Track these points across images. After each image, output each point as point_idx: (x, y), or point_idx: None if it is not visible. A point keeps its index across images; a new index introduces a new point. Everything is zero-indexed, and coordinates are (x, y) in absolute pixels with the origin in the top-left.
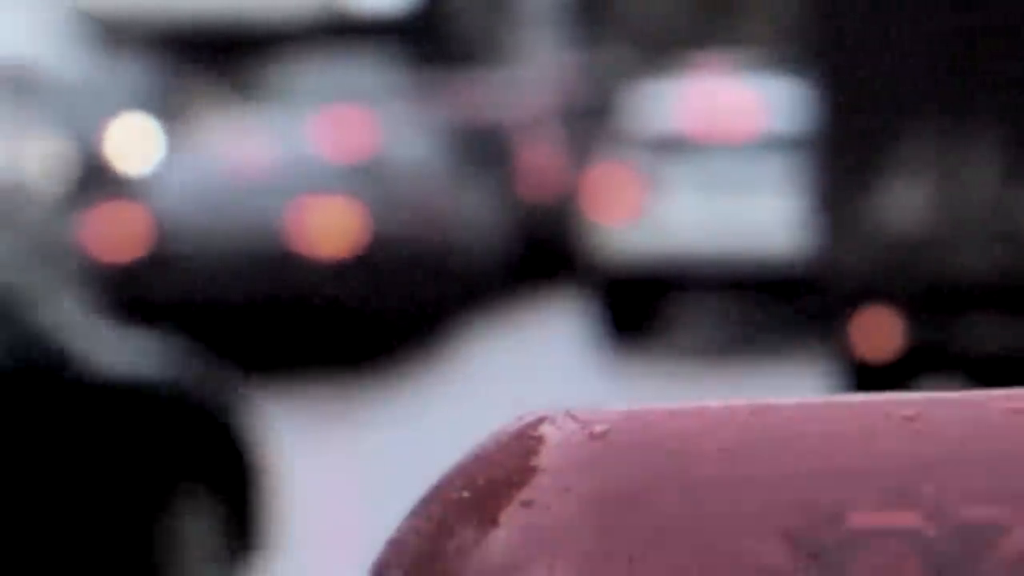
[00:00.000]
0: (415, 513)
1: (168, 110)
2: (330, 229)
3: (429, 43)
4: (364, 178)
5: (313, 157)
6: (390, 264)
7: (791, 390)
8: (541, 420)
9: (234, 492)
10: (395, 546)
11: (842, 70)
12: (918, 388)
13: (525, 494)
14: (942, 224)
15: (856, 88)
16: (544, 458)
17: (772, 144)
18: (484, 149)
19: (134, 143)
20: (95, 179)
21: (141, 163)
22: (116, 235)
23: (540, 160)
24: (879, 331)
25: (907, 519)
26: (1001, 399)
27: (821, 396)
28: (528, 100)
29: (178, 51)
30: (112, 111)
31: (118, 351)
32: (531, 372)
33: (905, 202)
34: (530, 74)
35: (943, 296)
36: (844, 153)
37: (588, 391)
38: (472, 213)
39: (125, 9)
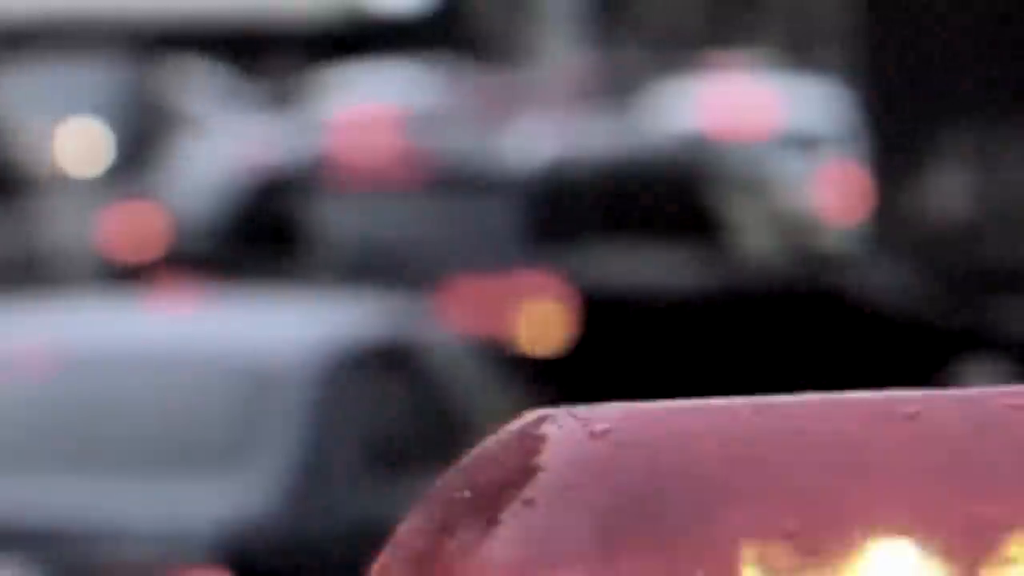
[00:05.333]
0: (416, 513)
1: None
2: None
3: (446, 43)
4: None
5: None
6: None
7: None
8: (542, 419)
9: None
10: (396, 546)
11: (885, 64)
12: (960, 371)
13: (526, 493)
14: (984, 211)
15: (899, 81)
16: (545, 457)
17: (792, 142)
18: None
19: (85, 146)
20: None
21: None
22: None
23: None
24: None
25: (908, 517)
26: (1003, 396)
27: (822, 394)
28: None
29: (201, 51)
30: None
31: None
32: None
33: (948, 190)
34: (548, 73)
35: (985, 280)
36: (888, 144)
37: None
38: None
39: (144, 7)
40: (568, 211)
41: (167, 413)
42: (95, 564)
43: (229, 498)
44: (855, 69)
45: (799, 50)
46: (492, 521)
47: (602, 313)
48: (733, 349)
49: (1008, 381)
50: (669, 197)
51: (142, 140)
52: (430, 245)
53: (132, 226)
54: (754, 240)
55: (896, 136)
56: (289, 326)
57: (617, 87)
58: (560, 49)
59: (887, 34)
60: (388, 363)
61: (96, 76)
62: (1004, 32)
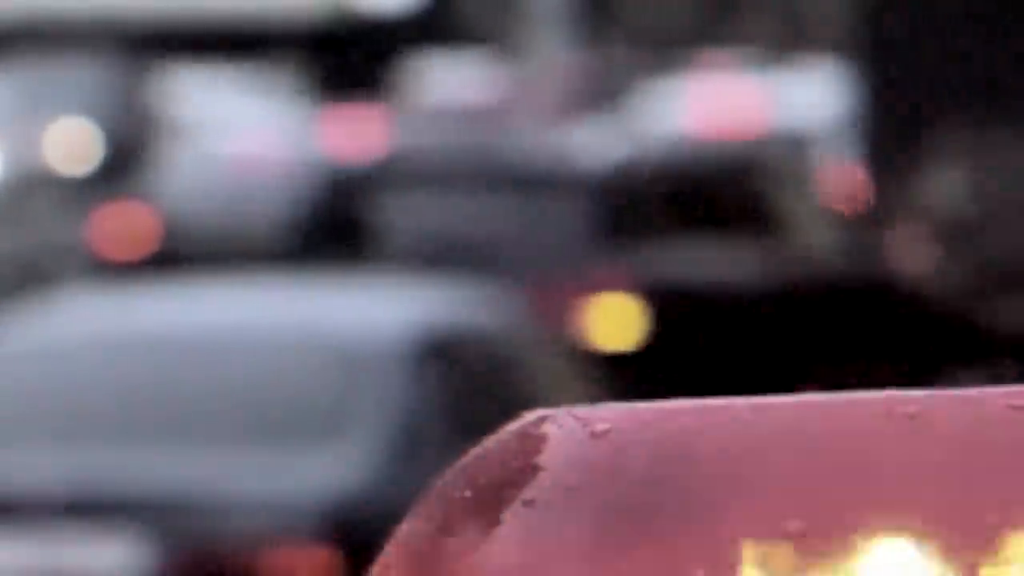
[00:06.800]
0: (417, 513)
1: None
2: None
3: (434, 41)
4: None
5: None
6: None
7: None
8: (543, 419)
9: None
10: (397, 546)
11: (884, 60)
12: (965, 371)
13: (527, 493)
14: (984, 207)
15: (898, 77)
16: (546, 457)
17: (781, 141)
18: None
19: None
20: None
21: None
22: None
23: None
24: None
25: (908, 517)
26: (1002, 396)
27: (822, 394)
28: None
29: (190, 51)
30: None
31: None
32: None
33: (947, 187)
34: (537, 72)
35: (986, 277)
36: (887, 141)
37: None
38: None
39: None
40: (637, 208)
41: (268, 391)
42: (201, 536)
43: (328, 471)
44: (850, 67)
45: (789, 49)
46: (492, 521)
47: (670, 308)
48: (797, 342)
49: (1007, 380)
50: (731, 193)
51: (132, 140)
52: (503, 243)
53: (122, 225)
54: (811, 234)
55: (891, 134)
56: (378, 309)
57: (607, 87)
58: (549, 49)
59: (884, 33)
60: (467, 345)
61: (86, 76)
62: (1000, 31)
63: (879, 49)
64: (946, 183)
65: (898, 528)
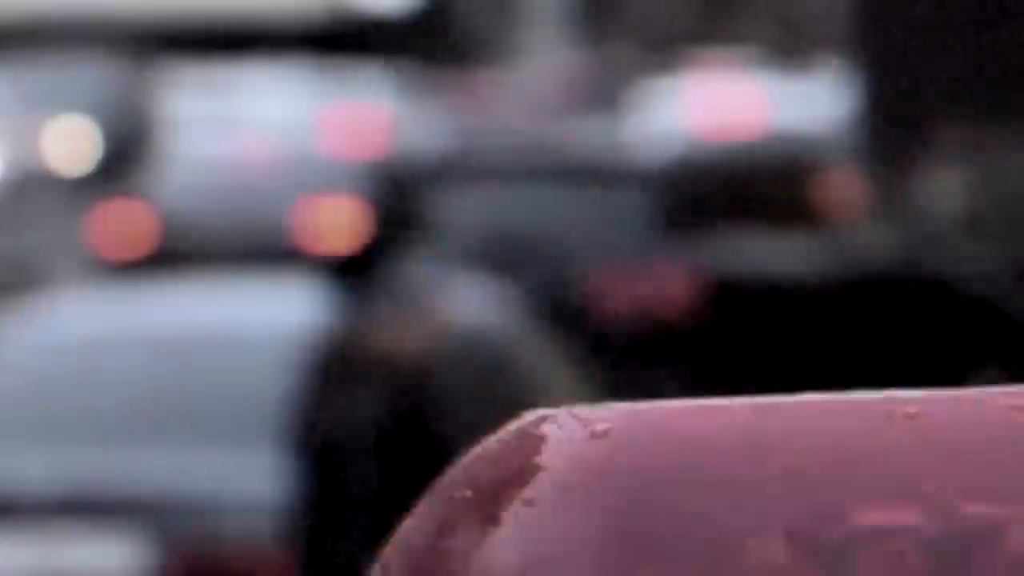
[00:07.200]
0: (417, 512)
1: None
2: (335, 228)
3: (432, 42)
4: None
5: (319, 155)
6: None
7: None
8: (543, 419)
9: None
10: (397, 545)
11: (882, 61)
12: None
13: (527, 493)
14: (981, 209)
15: (896, 78)
16: (546, 457)
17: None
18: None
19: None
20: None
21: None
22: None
23: None
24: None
25: (908, 517)
26: (1002, 397)
27: (822, 394)
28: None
29: (188, 49)
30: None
31: None
32: None
33: (944, 188)
34: (535, 73)
35: (981, 278)
36: (882, 142)
37: None
38: None
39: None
40: (697, 201)
41: (267, 390)
42: (199, 536)
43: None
44: (850, 68)
45: (788, 49)
46: (492, 521)
47: (729, 298)
48: (855, 336)
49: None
50: (787, 186)
51: (130, 138)
52: (566, 236)
53: (120, 224)
54: (866, 228)
55: (890, 135)
56: (378, 310)
57: (605, 87)
58: (548, 49)
59: (882, 32)
60: (468, 345)
61: (84, 75)
62: (999, 31)
63: (878, 49)
64: (945, 182)
65: (897, 528)
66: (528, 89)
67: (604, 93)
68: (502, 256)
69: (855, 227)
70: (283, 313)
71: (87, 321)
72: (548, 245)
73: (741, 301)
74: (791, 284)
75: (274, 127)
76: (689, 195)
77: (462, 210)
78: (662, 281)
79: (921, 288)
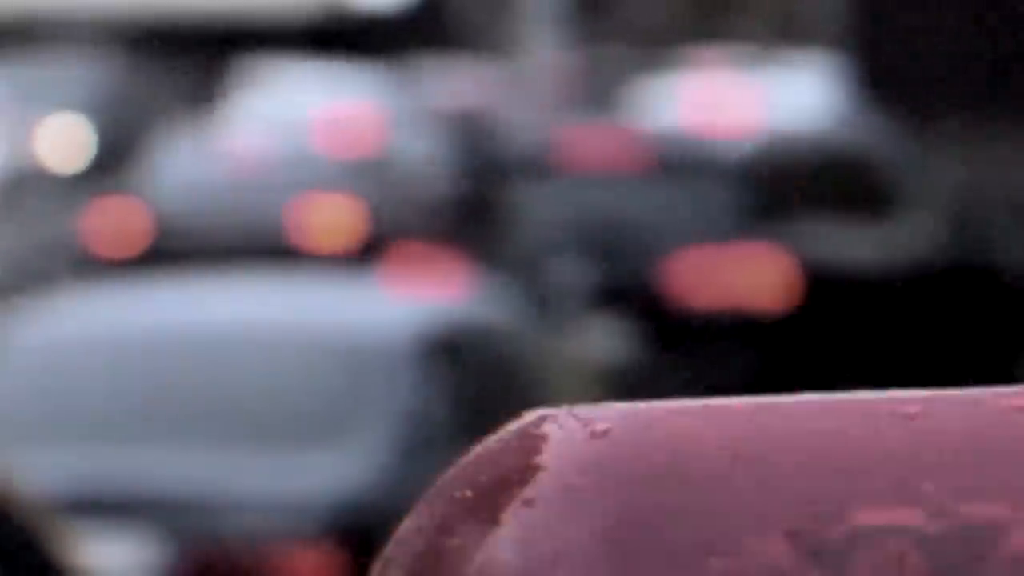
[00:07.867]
0: (417, 511)
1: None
2: (331, 226)
3: (426, 39)
4: (367, 175)
5: (314, 154)
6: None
7: None
8: (543, 419)
9: None
10: (397, 544)
11: (880, 55)
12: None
13: (527, 493)
14: (980, 202)
15: (894, 72)
16: (546, 457)
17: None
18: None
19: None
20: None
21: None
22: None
23: None
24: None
25: (908, 517)
26: (1002, 396)
27: (822, 394)
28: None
29: (181, 47)
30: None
31: None
32: None
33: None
34: (529, 70)
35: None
36: (881, 135)
37: None
38: None
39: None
40: (779, 188)
41: (271, 389)
42: (207, 535)
43: (333, 471)
44: (846, 65)
45: (782, 46)
46: (492, 521)
47: (813, 284)
48: (927, 323)
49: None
50: (862, 176)
51: (124, 136)
52: (656, 225)
53: (115, 222)
54: (932, 219)
55: (888, 131)
56: (381, 308)
57: (599, 84)
58: (542, 46)
59: (880, 31)
60: (470, 345)
61: (79, 72)
62: (995, 28)
63: (872, 45)
64: (942, 177)
65: (897, 528)
66: (524, 87)
67: (599, 91)
68: (591, 246)
69: (915, 216)
70: (283, 312)
71: (85, 320)
72: (633, 234)
73: (819, 289)
74: (869, 272)
75: (270, 125)
76: (769, 184)
77: (552, 200)
78: (752, 262)
79: (973, 276)
